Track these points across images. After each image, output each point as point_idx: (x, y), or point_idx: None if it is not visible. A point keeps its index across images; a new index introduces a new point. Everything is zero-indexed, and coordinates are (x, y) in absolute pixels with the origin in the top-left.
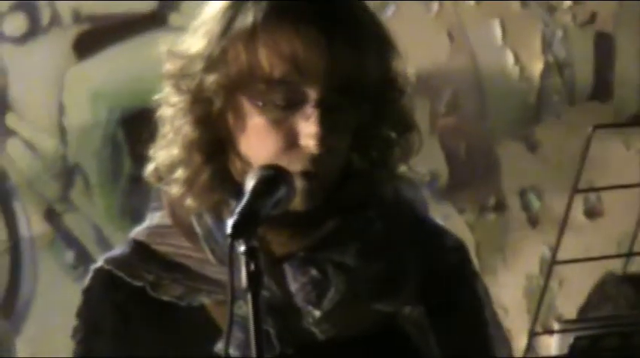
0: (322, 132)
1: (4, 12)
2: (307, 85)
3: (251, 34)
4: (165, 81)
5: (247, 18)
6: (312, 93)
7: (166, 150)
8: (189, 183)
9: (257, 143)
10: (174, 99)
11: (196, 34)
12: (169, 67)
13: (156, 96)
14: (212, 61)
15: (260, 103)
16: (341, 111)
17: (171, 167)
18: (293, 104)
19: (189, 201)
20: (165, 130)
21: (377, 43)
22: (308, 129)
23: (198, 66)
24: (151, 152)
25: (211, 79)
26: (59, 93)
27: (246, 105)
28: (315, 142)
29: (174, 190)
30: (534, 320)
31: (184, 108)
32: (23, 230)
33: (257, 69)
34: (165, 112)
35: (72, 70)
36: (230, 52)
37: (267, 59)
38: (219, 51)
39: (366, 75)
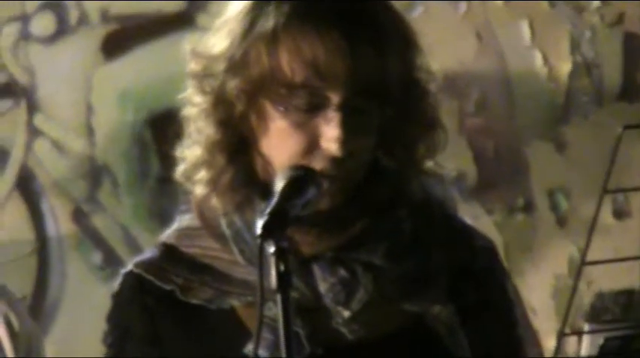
0: (344, 135)
1: (32, 12)
2: (329, 89)
3: (272, 38)
4: (189, 80)
5: (269, 21)
6: (334, 97)
7: (191, 150)
8: (212, 184)
9: (279, 145)
10: (198, 99)
11: (219, 34)
12: (193, 66)
13: (180, 96)
14: (234, 63)
15: (282, 107)
16: (363, 113)
17: (195, 167)
18: (315, 107)
19: (214, 201)
20: (190, 130)
21: (400, 43)
22: (330, 133)
23: (221, 66)
24: (178, 152)
25: (233, 83)
26: (87, 93)
27: (269, 108)
28: (337, 146)
29: (199, 190)
30: (564, 321)
31: (207, 109)
32: (51, 230)
33: (278, 73)
34: (189, 112)
35: (100, 70)
36: (252, 55)
37: (289, 64)
38: (241, 53)
39: (389, 77)
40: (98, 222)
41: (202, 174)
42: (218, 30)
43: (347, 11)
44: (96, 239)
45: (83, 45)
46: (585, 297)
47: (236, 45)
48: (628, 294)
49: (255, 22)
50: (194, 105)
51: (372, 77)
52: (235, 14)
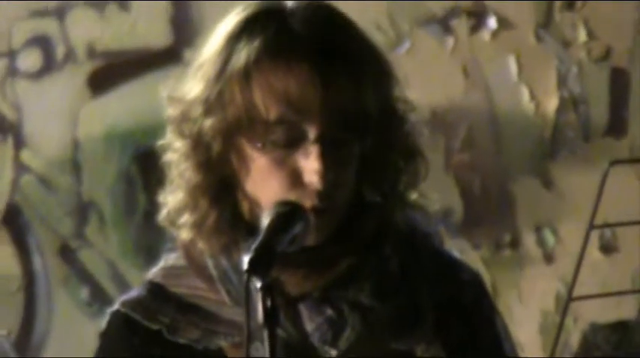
0: (324, 167)
1: (19, 48)
2: (305, 122)
3: (244, 76)
4: (169, 126)
5: (240, 59)
6: (312, 131)
7: (174, 195)
8: (197, 227)
9: (262, 183)
10: (177, 144)
11: (195, 78)
12: (170, 111)
13: (161, 142)
14: (209, 105)
15: (260, 144)
16: (342, 145)
17: (179, 211)
18: (293, 142)
19: (200, 244)
20: (172, 175)
21: (374, 73)
22: (310, 166)
23: (198, 110)
24: (161, 198)
25: (209, 123)
26: (74, 129)
27: (247, 147)
28: (318, 178)
29: (184, 234)
30: (551, 356)
31: (186, 152)
32: (38, 266)
33: (253, 110)
34: (170, 157)
35: (86, 106)
36: (226, 95)
37: (263, 100)
38: (216, 93)
39: (365, 107)
40: (85, 257)
41: (186, 218)
42: (194, 73)
43: (318, 43)
44: (83, 275)
45: (70, 81)
46: (572, 333)
47: (210, 86)
48: (621, 327)
49: (227, 61)
50: (174, 150)
51: (347, 108)
52: (209, 55)
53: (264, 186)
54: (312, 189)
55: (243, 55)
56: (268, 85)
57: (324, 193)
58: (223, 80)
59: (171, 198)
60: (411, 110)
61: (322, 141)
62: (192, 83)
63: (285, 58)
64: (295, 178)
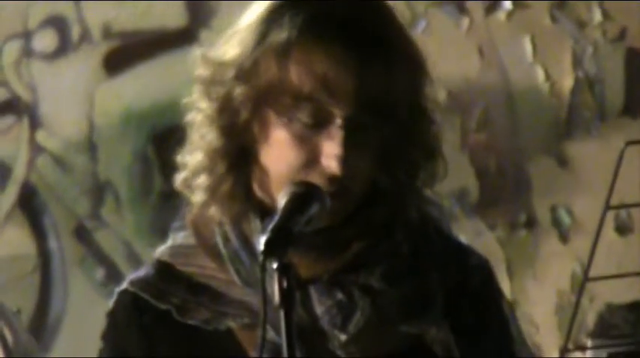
0: (345, 154)
1: (34, 29)
2: (334, 104)
3: (284, 50)
4: (196, 85)
5: (282, 33)
6: (339, 113)
7: (192, 156)
8: (211, 191)
9: (278, 156)
10: (203, 104)
11: (230, 42)
12: (201, 71)
13: (185, 100)
14: (243, 72)
15: (286, 119)
16: (366, 132)
17: (196, 173)
18: (319, 122)
19: (211, 210)
20: (193, 135)
21: (409, 66)
22: (331, 150)
23: (229, 74)
24: (179, 158)
25: (240, 89)
26: (89, 109)
27: (272, 118)
28: (336, 163)
29: (198, 197)
30: (567, 337)
31: (211, 115)
32: (53, 246)
33: (286, 84)
34: (193, 117)
35: (102, 87)
36: (261, 65)
37: (298, 76)
38: (251, 62)
39: (395, 98)
40: (101, 238)
41: (202, 180)
42: (230, 38)
43: (360, 29)
44: (99, 255)
45: (85, 61)
46: (588, 313)
47: (247, 54)
48: (638, 307)
49: (267, 32)
50: (199, 110)
51: (378, 96)
52: (248, 24)
53: (279, 160)
54: (327, 172)
55: (285, 29)
56: (307, 62)
57: (339, 178)
58: (261, 50)
59: (190, 159)
60: (437, 110)
61: (347, 125)
62: (226, 47)
63: (326, 39)
64: (313, 158)
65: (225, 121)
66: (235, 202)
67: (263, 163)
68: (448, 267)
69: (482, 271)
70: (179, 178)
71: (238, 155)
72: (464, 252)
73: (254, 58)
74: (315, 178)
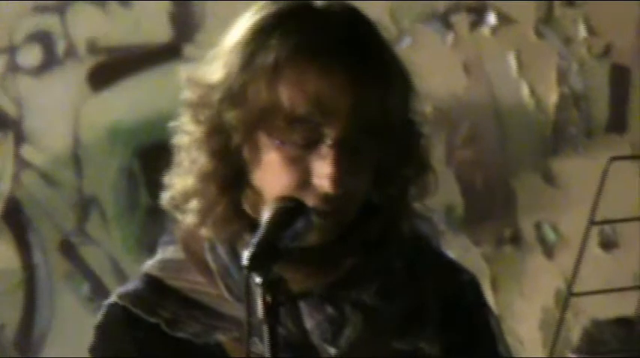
0: (338, 173)
1: (20, 43)
2: (328, 125)
3: (273, 71)
4: (184, 109)
5: (270, 54)
6: (332, 134)
7: (182, 179)
8: (204, 214)
9: (272, 178)
10: (192, 128)
11: (216, 63)
12: (188, 94)
13: (173, 123)
14: (231, 95)
15: (278, 141)
16: (359, 153)
17: (186, 196)
18: (311, 143)
19: (203, 231)
20: (181, 158)
21: (401, 85)
22: (324, 170)
23: (217, 96)
24: (167, 179)
25: (231, 113)
26: (75, 124)
27: (264, 141)
28: (329, 183)
29: (189, 220)
30: (551, 352)
31: (201, 138)
32: (39, 261)
33: (278, 106)
34: (181, 140)
35: (87, 102)
36: (250, 87)
37: (290, 97)
38: (240, 85)
39: (390, 118)
40: (86, 253)
41: (194, 204)
42: (215, 59)
43: (353, 49)
44: (84, 270)
45: (71, 77)
46: (573, 328)
47: (234, 76)
48: (626, 323)
49: (255, 54)
50: (187, 133)
51: (372, 116)
52: (233, 44)
53: (273, 182)
54: (321, 192)
55: (274, 50)
56: (299, 82)
57: (333, 198)
58: (249, 72)
59: (179, 182)
60: (426, 124)
61: (340, 146)
62: (213, 69)
63: (320, 59)
64: (305, 178)
65: (216, 145)
66: (228, 225)
67: (256, 185)
68: (441, 283)
69: (474, 287)
70: (166, 197)
71: (230, 178)
72: (455, 269)
73: (242, 81)
74: (310, 198)
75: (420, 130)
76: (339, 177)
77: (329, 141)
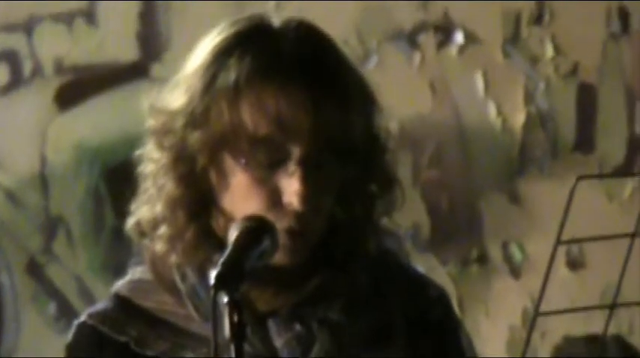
0: (306, 190)
1: None
2: (291, 143)
3: (234, 93)
4: (149, 136)
5: (230, 75)
6: (296, 151)
7: (149, 206)
8: (173, 241)
9: (241, 201)
10: (157, 155)
11: (178, 89)
12: (152, 122)
13: (137, 152)
14: (194, 119)
15: (243, 161)
16: (325, 169)
17: (155, 224)
18: (277, 162)
19: (173, 258)
20: (148, 186)
21: (362, 100)
22: (292, 187)
23: (180, 122)
24: (133, 207)
25: (194, 136)
26: (41, 144)
27: (230, 163)
28: (298, 200)
29: (159, 247)
30: None
31: (167, 165)
32: (5, 282)
33: (240, 127)
34: (147, 168)
35: (54, 122)
36: (213, 110)
37: (251, 118)
38: (202, 108)
39: (352, 134)
40: (53, 273)
41: (162, 231)
42: (177, 85)
43: (310, 66)
44: (51, 290)
45: (37, 96)
46: (540, 348)
47: (196, 100)
48: (596, 340)
49: (215, 76)
50: (153, 161)
51: (335, 132)
52: (195, 69)
53: (242, 204)
54: (290, 210)
55: (233, 71)
56: (258, 103)
57: (303, 215)
58: (211, 95)
59: (146, 209)
60: (390, 138)
61: (306, 163)
62: (175, 95)
63: (278, 78)
64: (275, 198)
65: (182, 170)
66: (198, 251)
67: (225, 208)
68: (408, 299)
69: (442, 303)
70: (130, 223)
71: (198, 203)
72: (423, 284)
73: (204, 104)
74: (280, 217)
75: (384, 145)
76: (307, 193)
77: (294, 159)
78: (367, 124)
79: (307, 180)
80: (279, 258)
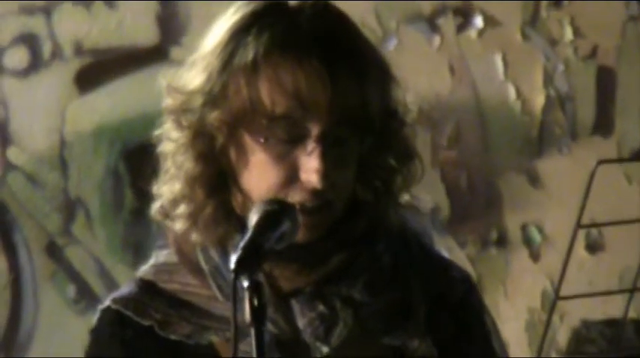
0: (324, 167)
1: (6, 45)
2: (309, 119)
3: (252, 69)
4: (166, 116)
5: (248, 53)
6: (315, 128)
7: (169, 186)
8: (193, 218)
9: (259, 178)
10: (176, 134)
11: (196, 69)
12: (170, 102)
13: (156, 132)
14: (213, 97)
15: (262, 139)
16: (343, 145)
17: (175, 202)
18: (295, 139)
19: (194, 236)
20: (168, 166)
21: (378, 74)
22: (310, 164)
23: (199, 101)
24: (155, 189)
25: (213, 114)
26: (61, 126)
27: (248, 141)
28: (317, 177)
29: (179, 225)
30: (538, 354)
31: (186, 143)
32: (24, 263)
33: (259, 104)
34: (166, 148)
35: (73, 104)
36: (231, 87)
37: (269, 95)
38: (220, 86)
39: (369, 109)
40: (72, 254)
41: (182, 209)
42: (194, 64)
43: (327, 41)
44: (70, 272)
45: (57, 78)
46: (559, 330)
47: (214, 78)
48: (614, 323)
49: (233, 54)
50: (172, 140)
51: (353, 107)
52: (212, 48)
53: (260, 181)
54: (309, 188)
55: (251, 48)
56: (277, 79)
57: (321, 192)
58: (229, 72)
59: (167, 189)
60: (408, 112)
61: (324, 139)
62: (193, 74)
63: (295, 54)
64: (293, 175)
65: (201, 148)
66: (217, 227)
67: (243, 186)
68: (430, 278)
69: (465, 284)
70: (154, 207)
71: (217, 180)
72: (446, 265)
73: (222, 82)
74: (298, 195)
75: (402, 119)
76: (326, 170)
77: (312, 136)
78: (385, 98)
79: (326, 158)
80: (298, 235)
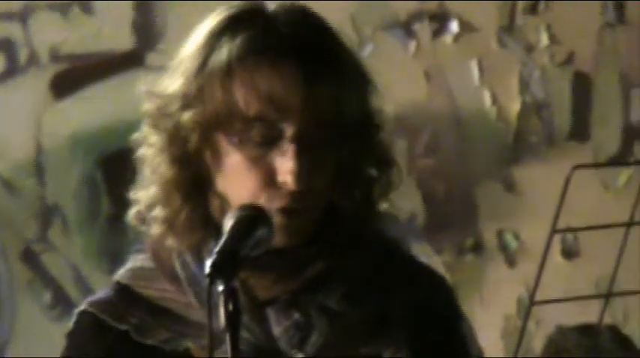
0: (300, 168)
1: None
2: (284, 121)
3: (226, 72)
4: (145, 121)
5: (222, 55)
6: (289, 129)
7: (146, 190)
8: (169, 222)
9: (235, 181)
10: (153, 138)
11: (174, 74)
12: (148, 106)
13: (135, 136)
14: (188, 100)
15: (237, 140)
16: (319, 147)
17: (151, 206)
18: (270, 140)
19: (170, 241)
20: (145, 170)
21: (355, 78)
22: (285, 166)
23: (176, 105)
24: (132, 194)
25: (187, 116)
26: (37, 132)
27: (223, 143)
28: (292, 178)
29: (155, 229)
30: None
31: (162, 147)
32: (1, 270)
33: (233, 106)
34: (144, 152)
35: (50, 110)
36: (206, 90)
37: (243, 96)
38: (196, 89)
39: (345, 111)
40: (48, 261)
41: (158, 213)
42: (173, 70)
43: (302, 44)
44: (46, 278)
45: (33, 84)
46: (535, 337)
47: (190, 81)
48: (590, 330)
49: (208, 57)
50: (149, 145)
51: (327, 110)
52: (190, 52)
53: (237, 184)
54: (285, 190)
55: (225, 50)
56: (251, 81)
57: (298, 194)
58: (204, 75)
59: (143, 194)
60: (385, 119)
61: (299, 141)
62: (171, 79)
63: (270, 56)
64: (269, 177)
65: (176, 151)
66: (193, 233)
67: (220, 190)
68: (409, 287)
69: (444, 292)
70: (132, 213)
71: (193, 184)
72: (424, 272)
73: (198, 85)
74: (275, 196)
75: (380, 124)
76: (301, 171)
77: (287, 136)
78: (362, 102)
79: (301, 159)
80: (277, 239)
